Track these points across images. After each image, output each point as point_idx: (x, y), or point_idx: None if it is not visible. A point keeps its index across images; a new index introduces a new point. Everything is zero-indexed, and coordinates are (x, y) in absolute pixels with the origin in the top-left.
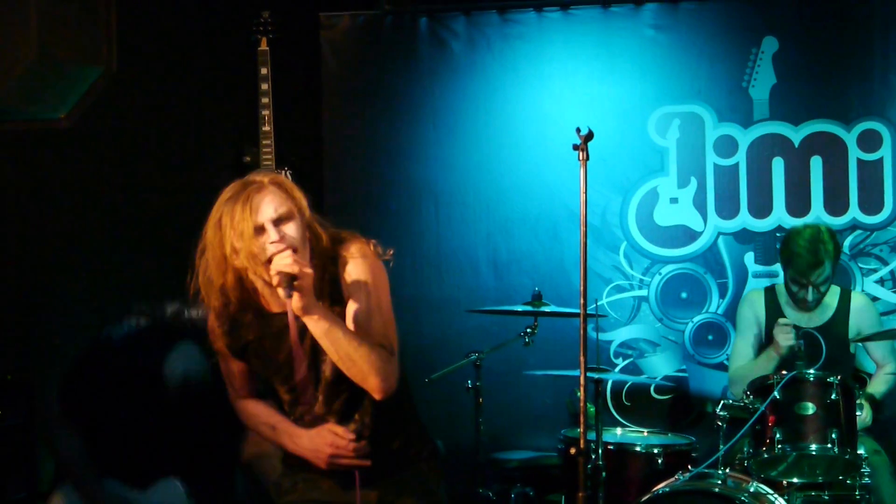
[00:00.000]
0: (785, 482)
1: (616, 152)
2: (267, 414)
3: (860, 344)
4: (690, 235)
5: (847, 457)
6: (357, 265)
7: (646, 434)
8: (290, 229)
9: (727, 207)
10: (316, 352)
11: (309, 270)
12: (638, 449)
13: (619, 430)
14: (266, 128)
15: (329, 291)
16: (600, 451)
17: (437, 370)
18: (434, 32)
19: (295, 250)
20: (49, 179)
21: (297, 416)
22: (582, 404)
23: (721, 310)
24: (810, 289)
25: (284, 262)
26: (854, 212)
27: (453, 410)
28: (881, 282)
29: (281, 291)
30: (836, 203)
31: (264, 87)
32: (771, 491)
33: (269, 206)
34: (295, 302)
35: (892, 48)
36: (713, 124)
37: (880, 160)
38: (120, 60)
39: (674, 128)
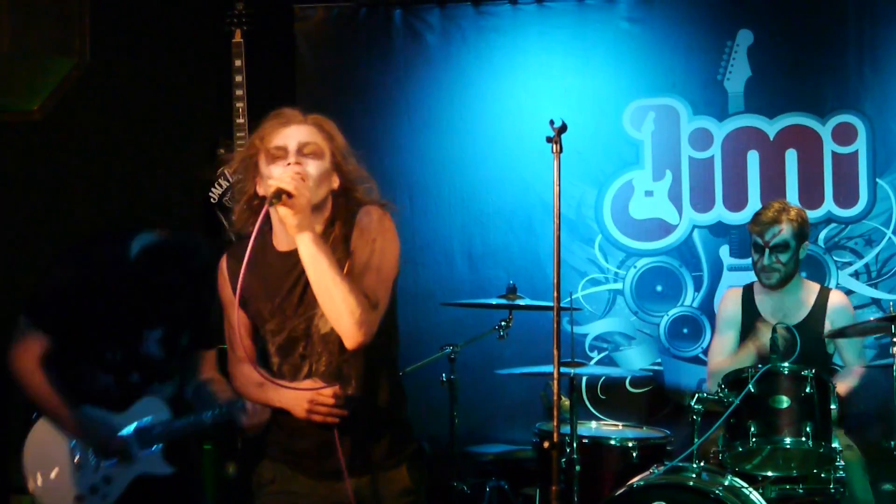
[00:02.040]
0: (760, 475)
1: (591, 145)
2: (257, 375)
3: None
4: (665, 228)
5: (822, 450)
6: (369, 225)
7: (621, 427)
8: (312, 167)
9: (702, 200)
10: (310, 302)
11: (307, 193)
12: (612, 442)
13: (594, 424)
14: (240, 120)
15: (339, 248)
16: (575, 445)
17: (412, 363)
18: (409, 24)
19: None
20: (21, 172)
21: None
22: (556, 398)
23: (696, 303)
24: (766, 252)
25: (284, 176)
26: (829, 205)
27: (428, 404)
28: (856, 275)
29: (282, 211)
30: (810, 196)
31: (238, 79)
32: (745, 484)
33: (298, 134)
34: (288, 218)
35: (867, 41)
36: (688, 117)
37: (855, 153)
38: (93, 52)
39: (649, 121)
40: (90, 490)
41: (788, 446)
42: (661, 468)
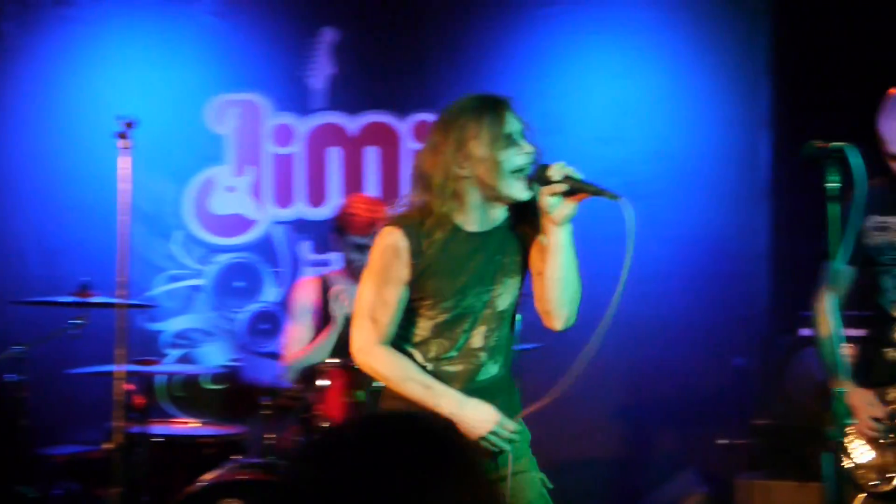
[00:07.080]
0: None
1: (172, 140)
2: (416, 370)
3: None
4: (246, 224)
5: None
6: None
7: (198, 425)
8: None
9: (283, 196)
10: (493, 278)
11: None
12: (186, 440)
13: (170, 422)
14: None
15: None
16: (147, 444)
17: None
18: None
19: None
20: None
21: (433, 356)
22: (119, 397)
23: (276, 298)
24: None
25: (567, 168)
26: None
27: None
28: None
29: (554, 200)
30: (391, 192)
31: None
32: None
33: (516, 120)
34: (568, 208)
35: (447, 41)
36: (271, 113)
37: None
38: None
39: (232, 116)
40: None
41: None
42: (234, 464)
